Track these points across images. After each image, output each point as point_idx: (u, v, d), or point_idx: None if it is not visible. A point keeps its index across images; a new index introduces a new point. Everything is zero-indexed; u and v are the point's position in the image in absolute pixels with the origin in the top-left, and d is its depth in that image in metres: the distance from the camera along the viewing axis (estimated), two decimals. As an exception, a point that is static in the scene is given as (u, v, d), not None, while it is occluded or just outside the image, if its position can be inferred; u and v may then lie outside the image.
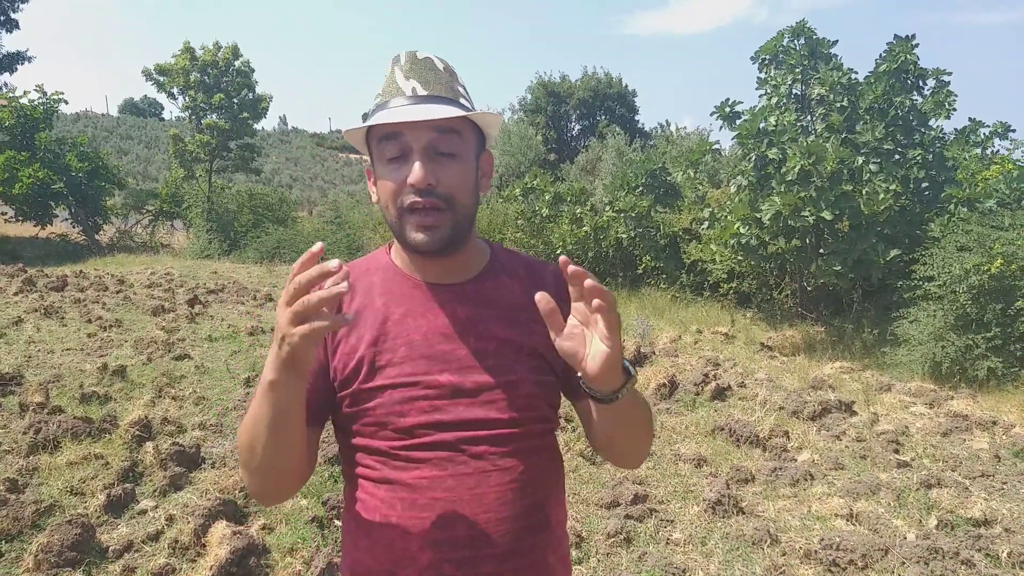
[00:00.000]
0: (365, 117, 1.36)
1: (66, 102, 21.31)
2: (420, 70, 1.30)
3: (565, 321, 1.23)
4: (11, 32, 24.53)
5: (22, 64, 24.98)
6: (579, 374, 1.21)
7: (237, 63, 21.23)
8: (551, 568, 1.36)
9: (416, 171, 1.24)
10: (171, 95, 21.42)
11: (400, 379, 1.29)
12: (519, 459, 1.31)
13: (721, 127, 10.70)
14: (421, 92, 1.28)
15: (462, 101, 1.31)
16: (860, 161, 9.11)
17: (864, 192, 8.88)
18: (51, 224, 20.52)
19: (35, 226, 20.32)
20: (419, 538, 1.26)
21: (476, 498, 1.27)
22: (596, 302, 1.10)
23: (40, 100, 20.39)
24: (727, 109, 10.39)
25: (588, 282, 1.10)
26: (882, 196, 8.68)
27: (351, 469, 1.36)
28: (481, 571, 1.27)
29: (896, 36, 9.61)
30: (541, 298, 1.15)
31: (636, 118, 32.41)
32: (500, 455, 1.29)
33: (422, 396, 1.28)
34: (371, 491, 1.31)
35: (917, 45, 9.53)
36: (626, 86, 31.95)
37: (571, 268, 1.11)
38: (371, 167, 1.37)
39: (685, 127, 29.30)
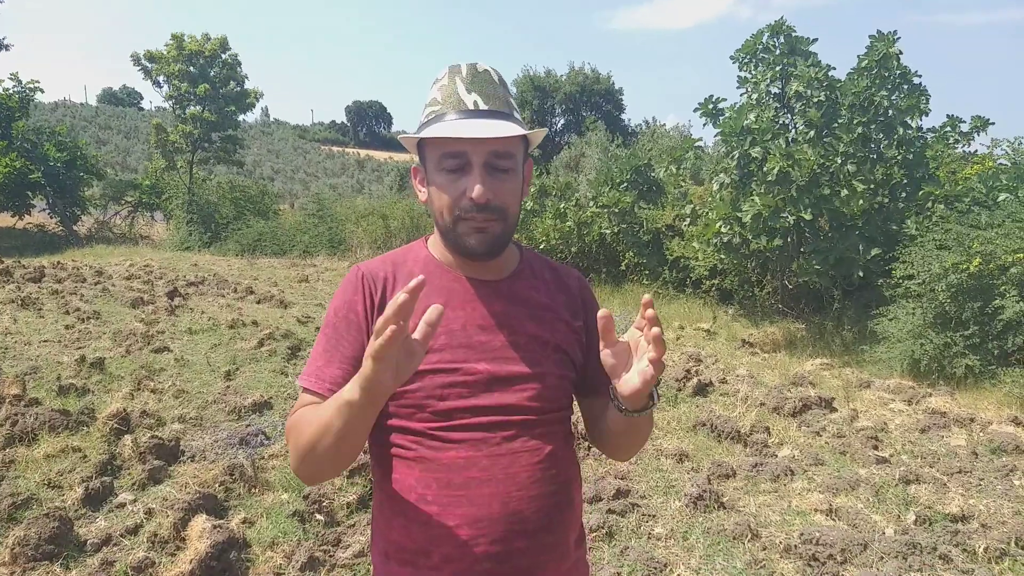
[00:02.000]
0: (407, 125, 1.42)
1: (42, 91, 21.10)
2: (481, 83, 1.39)
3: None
4: (-13, 19, 24.18)
5: (-1, 52, 24.64)
6: (612, 385, 1.33)
7: (225, 55, 21.05)
8: (570, 549, 1.44)
9: (478, 189, 1.33)
10: (156, 83, 21.21)
11: (441, 365, 1.36)
12: (546, 442, 1.41)
13: (704, 124, 10.68)
14: (483, 106, 1.37)
15: (515, 114, 1.41)
16: (838, 163, 9.16)
17: (843, 193, 8.93)
18: (28, 214, 20.30)
19: (12, 216, 20.07)
20: (456, 516, 1.33)
21: (510, 477, 1.35)
22: (655, 331, 1.20)
23: (15, 89, 20.12)
24: (710, 106, 10.41)
25: (651, 312, 1.21)
26: (861, 201, 8.74)
27: (383, 450, 1.42)
28: (514, 546, 1.34)
29: (878, 31, 9.63)
30: (603, 315, 1.26)
31: (622, 116, 32.44)
32: (530, 437, 1.39)
33: (461, 382, 1.37)
34: (405, 472, 1.38)
35: (899, 39, 9.55)
36: (613, 83, 31.96)
37: (649, 311, 1.22)
38: (420, 168, 1.47)
39: (664, 124, 29.32)
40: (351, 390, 1.17)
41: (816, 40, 10.09)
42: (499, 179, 1.37)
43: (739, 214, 9.30)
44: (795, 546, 3.76)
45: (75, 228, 20.68)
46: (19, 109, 19.86)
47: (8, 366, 6.40)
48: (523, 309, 1.46)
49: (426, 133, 1.37)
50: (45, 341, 7.48)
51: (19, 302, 9.15)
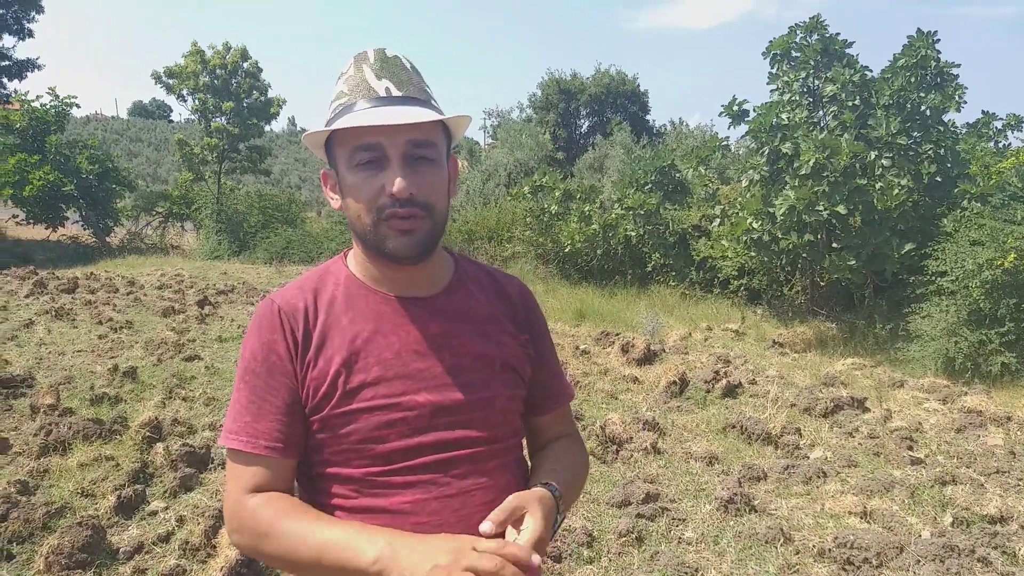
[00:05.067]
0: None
1: (78, 105, 21.38)
2: (392, 69, 1.25)
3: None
4: (24, 40, 24.71)
5: (31, 72, 25.11)
6: None
7: (246, 65, 21.28)
8: None
9: (398, 181, 1.18)
10: (181, 97, 21.49)
11: (377, 402, 1.22)
12: (499, 475, 1.29)
13: (729, 125, 10.61)
14: (396, 93, 1.22)
15: (433, 102, 1.27)
16: (873, 156, 9.04)
17: (878, 187, 8.81)
18: (62, 226, 20.61)
19: (46, 228, 20.41)
20: None
21: (462, 520, 1.22)
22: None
23: (52, 104, 20.47)
24: (735, 107, 10.33)
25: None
26: (896, 191, 8.61)
27: (319, 498, 1.27)
28: None
29: (918, 30, 9.51)
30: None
31: (648, 117, 32.25)
32: (481, 473, 1.26)
33: (401, 419, 1.22)
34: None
35: (939, 40, 9.40)
36: (638, 85, 31.78)
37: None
38: (330, 171, 1.31)
39: (688, 124, 29.13)
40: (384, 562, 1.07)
41: (853, 43, 9.99)
42: (421, 171, 1.21)
43: (771, 209, 9.20)
44: (829, 550, 3.69)
45: (108, 239, 20.97)
46: (55, 123, 20.19)
47: (42, 376, 6.50)
48: (464, 325, 1.31)
49: (332, 126, 1.22)
50: (79, 351, 7.59)
51: (53, 313, 9.30)
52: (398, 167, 1.19)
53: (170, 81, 21.11)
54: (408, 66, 1.28)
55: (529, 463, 1.46)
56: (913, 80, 9.27)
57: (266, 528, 1.17)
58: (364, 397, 1.22)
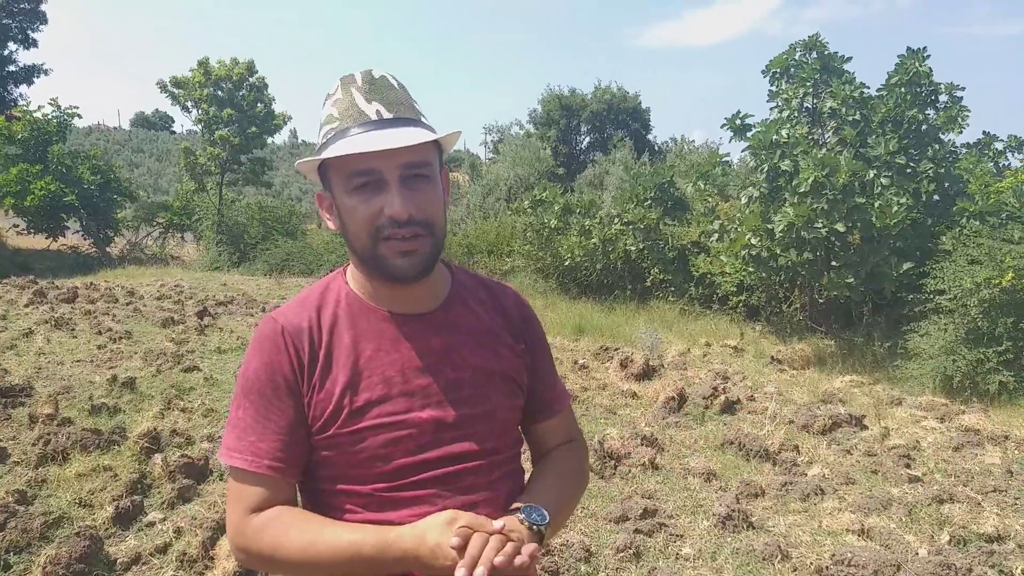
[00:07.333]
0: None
1: (80, 116, 21.50)
2: (380, 91, 1.26)
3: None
4: (28, 49, 24.91)
5: (38, 77, 25.27)
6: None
7: (252, 79, 21.40)
8: None
9: (397, 204, 1.20)
10: (185, 108, 21.60)
11: (382, 420, 1.24)
12: (501, 487, 1.32)
13: (731, 139, 10.67)
14: (387, 115, 1.23)
15: (423, 120, 1.28)
16: (872, 174, 9.09)
17: (877, 205, 8.86)
18: (63, 236, 20.66)
19: (47, 238, 20.46)
20: None
21: None
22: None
23: (54, 114, 20.55)
24: (737, 121, 10.38)
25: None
26: (895, 209, 8.65)
27: (325, 512, 1.28)
28: None
29: (908, 48, 9.62)
30: None
31: (649, 136, 32.32)
32: (484, 485, 1.29)
33: (406, 436, 1.25)
34: None
35: (928, 56, 9.51)
36: (640, 103, 31.86)
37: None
38: (326, 194, 1.31)
39: (694, 140, 29.27)
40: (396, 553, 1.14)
41: (851, 58, 10.07)
42: (419, 190, 1.23)
43: (770, 225, 9.23)
44: (826, 567, 3.69)
45: (108, 249, 21.01)
46: (56, 134, 20.27)
47: (41, 386, 6.50)
48: (463, 339, 1.34)
49: (326, 153, 1.23)
50: (78, 361, 7.59)
51: (52, 322, 9.31)
52: (396, 189, 1.21)
53: (176, 91, 21.23)
54: (396, 85, 1.29)
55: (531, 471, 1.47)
56: (908, 97, 9.34)
57: (271, 545, 1.21)
58: (370, 415, 1.24)
